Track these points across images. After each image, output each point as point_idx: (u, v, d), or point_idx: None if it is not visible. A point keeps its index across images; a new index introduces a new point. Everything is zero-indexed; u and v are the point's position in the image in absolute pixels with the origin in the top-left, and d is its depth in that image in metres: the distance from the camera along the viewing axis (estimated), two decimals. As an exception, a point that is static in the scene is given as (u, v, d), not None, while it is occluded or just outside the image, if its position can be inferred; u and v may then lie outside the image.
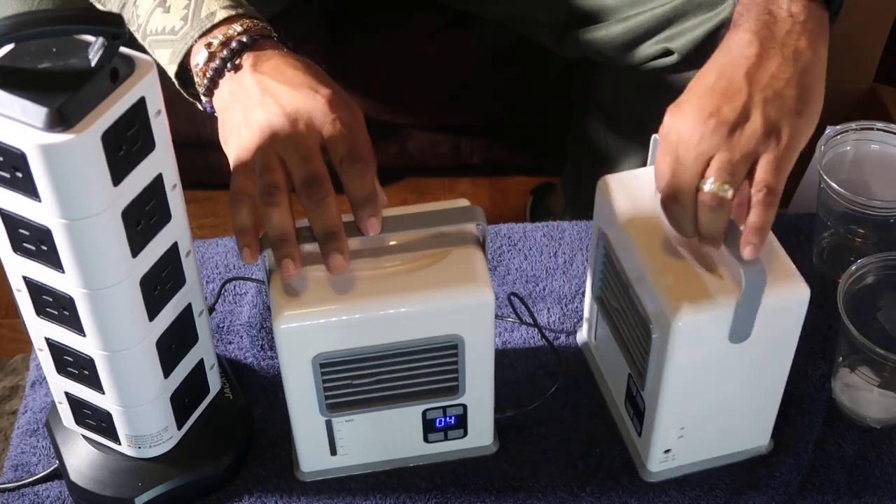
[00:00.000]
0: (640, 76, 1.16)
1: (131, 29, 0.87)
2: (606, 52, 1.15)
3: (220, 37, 0.82)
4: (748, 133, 0.77)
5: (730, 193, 0.76)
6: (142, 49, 0.76)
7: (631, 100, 1.24)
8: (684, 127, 0.79)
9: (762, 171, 0.77)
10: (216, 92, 0.83)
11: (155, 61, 0.71)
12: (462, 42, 1.43)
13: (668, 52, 1.11)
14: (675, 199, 0.78)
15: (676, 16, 1.08)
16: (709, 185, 0.76)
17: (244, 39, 0.82)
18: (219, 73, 0.83)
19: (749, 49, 0.81)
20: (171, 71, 0.84)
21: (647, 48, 1.11)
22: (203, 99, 0.85)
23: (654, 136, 0.86)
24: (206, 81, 0.83)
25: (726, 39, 0.83)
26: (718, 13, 1.05)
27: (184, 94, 0.87)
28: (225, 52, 0.82)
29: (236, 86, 0.82)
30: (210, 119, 0.86)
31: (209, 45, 0.82)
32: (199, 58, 0.83)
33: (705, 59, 1.09)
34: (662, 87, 1.15)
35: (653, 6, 1.08)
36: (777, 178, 0.77)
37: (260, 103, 0.80)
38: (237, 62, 0.82)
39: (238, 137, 0.81)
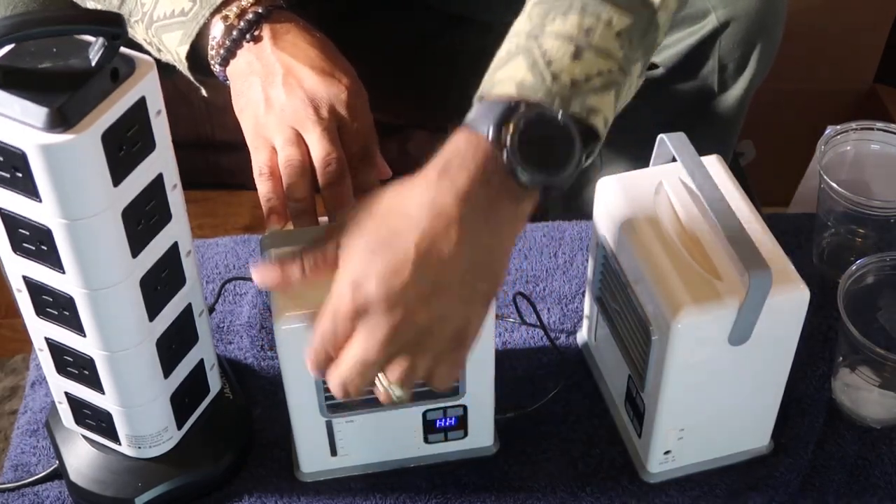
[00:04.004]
0: None
1: (133, 20, 0.87)
2: None
3: (235, 9, 0.84)
4: (436, 342, 0.69)
5: (406, 398, 0.72)
6: (137, 47, 0.76)
7: None
8: (364, 307, 0.68)
9: (435, 381, 0.72)
10: (232, 62, 0.85)
11: (152, 58, 0.71)
12: (462, 43, 1.43)
13: (653, 66, 1.11)
14: (341, 383, 0.71)
15: None
16: (385, 386, 0.71)
17: (259, 10, 0.84)
18: (237, 44, 0.85)
19: (448, 225, 0.68)
20: (183, 52, 0.85)
21: None
22: (217, 69, 0.86)
23: (660, 136, 0.86)
24: (222, 52, 0.85)
25: (426, 173, 0.70)
26: (702, 27, 1.06)
27: (190, 77, 0.88)
28: (243, 24, 0.84)
29: (254, 58, 0.84)
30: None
31: (225, 17, 0.84)
32: (215, 31, 0.84)
33: (690, 71, 1.09)
34: (650, 94, 1.15)
35: None
36: (451, 382, 0.74)
37: (283, 83, 0.83)
38: (256, 33, 0.84)
39: (256, 111, 0.84)
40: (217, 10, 0.84)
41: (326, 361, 0.71)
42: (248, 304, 1.05)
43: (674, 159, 0.86)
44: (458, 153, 0.70)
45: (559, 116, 0.70)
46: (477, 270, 0.69)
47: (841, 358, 0.95)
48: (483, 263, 0.70)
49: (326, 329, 0.69)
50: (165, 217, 0.76)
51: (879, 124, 1.05)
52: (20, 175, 0.67)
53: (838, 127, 1.04)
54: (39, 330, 0.79)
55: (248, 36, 0.84)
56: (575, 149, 0.70)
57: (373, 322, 0.68)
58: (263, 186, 0.82)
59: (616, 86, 0.73)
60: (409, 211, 0.68)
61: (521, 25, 0.74)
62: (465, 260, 0.68)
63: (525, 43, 0.72)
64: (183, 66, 0.86)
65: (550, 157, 0.70)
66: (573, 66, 0.71)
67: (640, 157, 1.22)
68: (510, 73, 0.72)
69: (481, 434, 0.91)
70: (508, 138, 0.68)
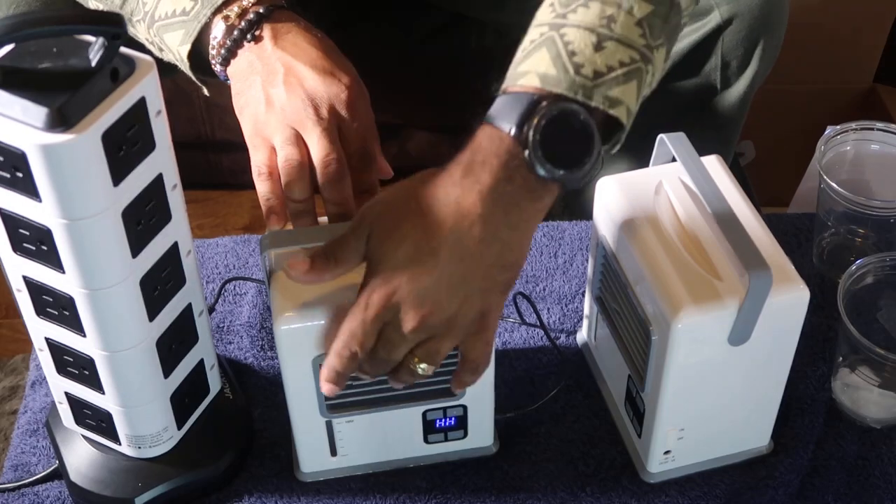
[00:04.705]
0: None
1: (135, 20, 0.87)
2: None
3: (236, 9, 0.85)
4: (462, 325, 0.74)
5: (430, 371, 0.75)
6: (138, 47, 0.76)
7: None
8: (397, 296, 0.72)
9: (470, 354, 0.77)
10: (233, 62, 0.86)
11: (155, 58, 0.71)
12: (462, 42, 1.43)
13: None
14: (375, 363, 0.75)
15: None
16: (412, 364, 0.75)
17: (261, 10, 0.85)
18: (237, 44, 0.85)
19: (472, 223, 0.71)
20: (185, 52, 0.85)
21: None
22: (218, 69, 0.87)
23: (660, 136, 0.86)
24: (223, 52, 0.85)
25: (457, 168, 0.72)
26: (705, 24, 1.06)
27: (192, 76, 0.88)
28: (244, 24, 0.84)
29: (255, 58, 0.84)
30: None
31: (226, 17, 0.84)
32: (216, 30, 0.85)
33: (692, 68, 1.09)
34: (652, 92, 1.15)
35: None
36: (485, 357, 0.77)
37: (284, 82, 0.83)
38: (257, 33, 0.85)
39: (256, 110, 0.84)
40: (218, 10, 0.84)
41: (351, 360, 0.74)
42: (248, 304, 1.05)
43: (674, 159, 0.86)
44: (482, 150, 0.72)
45: (581, 115, 0.71)
46: (498, 263, 0.73)
47: (841, 358, 0.95)
48: (504, 256, 0.73)
49: (355, 327, 0.73)
50: (165, 217, 0.76)
51: (879, 124, 1.05)
52: (20, 175, 0.67)
53: (838, 127, 1.05)
54: (39, 330, 0.79)
55: (248, 36, 0.84)
56: (594, 146, 0.72)
57: (402, 316, 0.72)
58: (262, 186, 0.83)
59: (639, 74, 0.74)
60: (435, 209, 0.71)
61: (543, 15, 0.75)
62: (488, 255, 0.72)
63: (548, 33, 0.73)
64: (184, 66, 0.87)
65: (571, 155, 0.72)
66: (595, 58, 0.72)
67: (640, 157, 1.22)
68: (533, 65, 0.73)
69: (481, 434, 0.91)
70: (531, 135, 0.70)
